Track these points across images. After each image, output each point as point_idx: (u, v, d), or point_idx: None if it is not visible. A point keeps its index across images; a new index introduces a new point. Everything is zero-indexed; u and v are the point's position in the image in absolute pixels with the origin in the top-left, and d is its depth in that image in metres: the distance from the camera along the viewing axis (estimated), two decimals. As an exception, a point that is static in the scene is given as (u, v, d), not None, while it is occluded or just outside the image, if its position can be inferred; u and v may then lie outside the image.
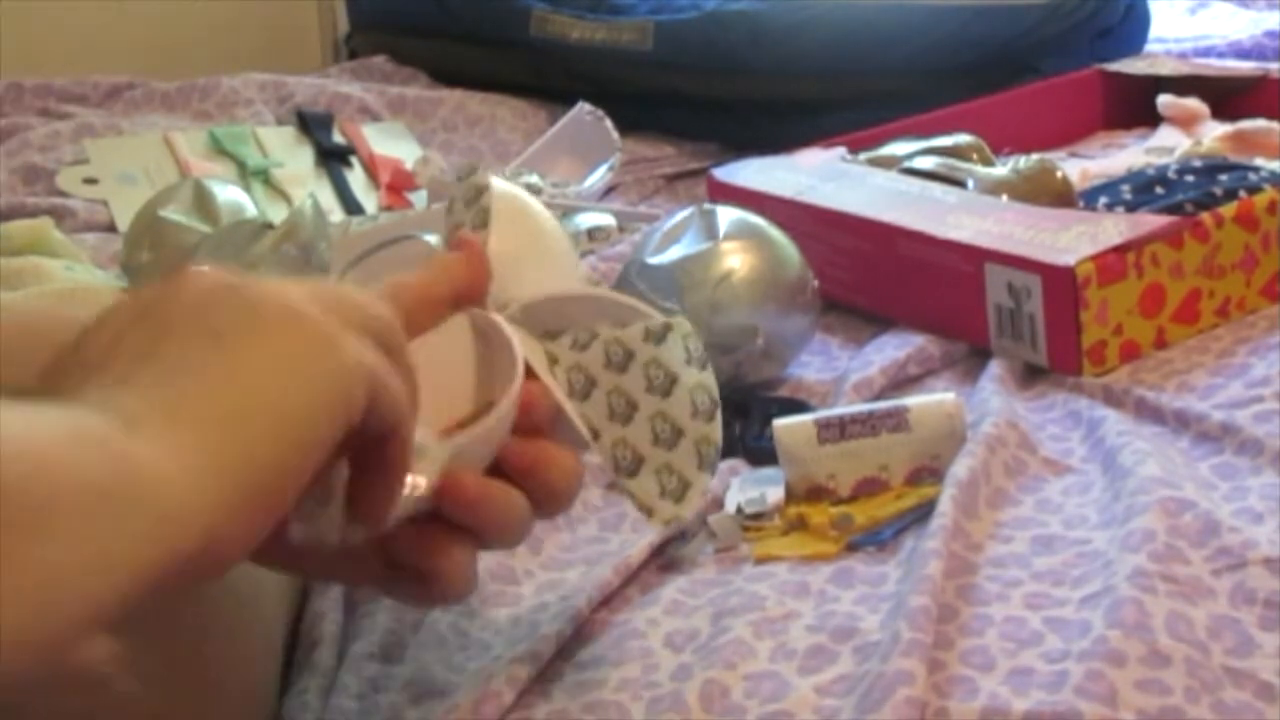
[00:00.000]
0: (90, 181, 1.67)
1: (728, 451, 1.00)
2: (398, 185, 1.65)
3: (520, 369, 0.65)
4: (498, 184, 0.75)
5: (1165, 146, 1.47)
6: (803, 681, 0.74)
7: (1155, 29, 1.79)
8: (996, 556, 0.84)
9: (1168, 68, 1.62)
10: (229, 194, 1.41)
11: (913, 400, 0.95)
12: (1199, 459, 0.93)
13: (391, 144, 1.78)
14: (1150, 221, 1.12)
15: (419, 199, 1.61)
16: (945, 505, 0.85)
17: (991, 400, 1.00)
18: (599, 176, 1.59)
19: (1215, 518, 0.82)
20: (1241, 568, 0.78)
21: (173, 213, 1.36)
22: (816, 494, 0.92)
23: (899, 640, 0.72)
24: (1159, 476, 0.86)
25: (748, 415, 1.04)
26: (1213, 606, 0.75)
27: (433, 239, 1.13)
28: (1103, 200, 1.26)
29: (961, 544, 0.83)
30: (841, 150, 1.39)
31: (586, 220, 1.45)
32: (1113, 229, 1.10)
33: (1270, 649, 0.72)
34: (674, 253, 1.10)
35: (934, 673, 0.72)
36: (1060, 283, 1.05)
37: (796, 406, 1.04)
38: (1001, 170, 1.29)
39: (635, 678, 0.76)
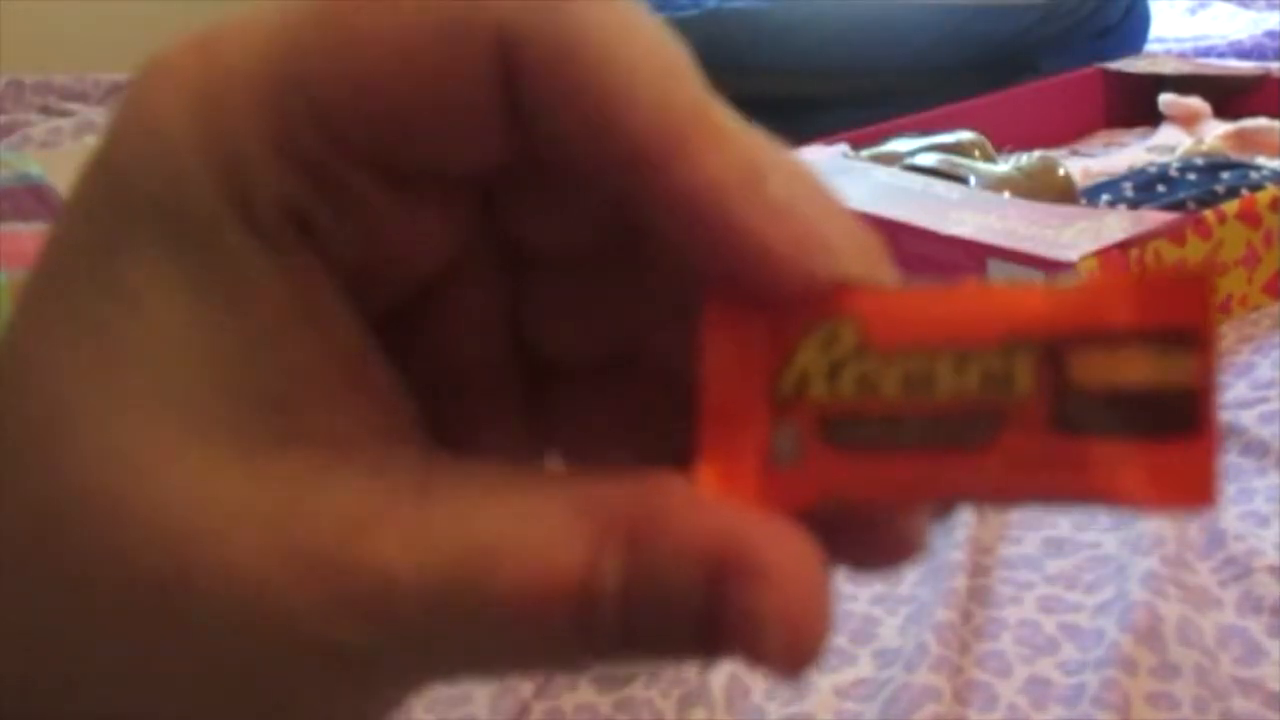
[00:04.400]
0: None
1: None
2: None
3: None
4: None
5: (1167, 145, 1.47)
6: (822, 681, 0.74)
7: (1155, 29, 1.80)
8: (1007, 558, 0.84)
9: (1169, 67, 1.63)
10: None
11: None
12: (1203, 459, 0.93)
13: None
14: (1153, 218, 1.12)
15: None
16: (967, 514, 0.85)
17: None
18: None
19: (1220, 526, 0.82)
20: (1247, 576, 0.78)
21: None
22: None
23: (927, 654, 0.72)
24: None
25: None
26: (1220, 616, 0.76)
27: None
28: (1105, 198, 1.26)
29: (971, 546, 0.83)
30: (844, 147, 1.39)
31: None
32: (1115, 225, 1.10)
33: (1278, 657, 0.72)
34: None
35: (952, 678, 0.72)
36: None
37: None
38: (1004, 167, 1.29)
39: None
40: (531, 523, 0.20)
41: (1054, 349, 0.21)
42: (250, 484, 0.21)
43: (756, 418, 0.22)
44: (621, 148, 0.21)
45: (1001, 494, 0.22)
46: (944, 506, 0.23)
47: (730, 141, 0.22)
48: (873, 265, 0.22)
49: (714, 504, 0.21)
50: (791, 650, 0.20)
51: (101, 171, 0.22)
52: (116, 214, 0.21)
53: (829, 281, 0.22)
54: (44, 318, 0.22)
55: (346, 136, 0.21)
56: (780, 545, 0.20)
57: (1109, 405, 0.21)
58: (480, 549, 0.20)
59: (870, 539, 0.22)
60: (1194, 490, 0.21)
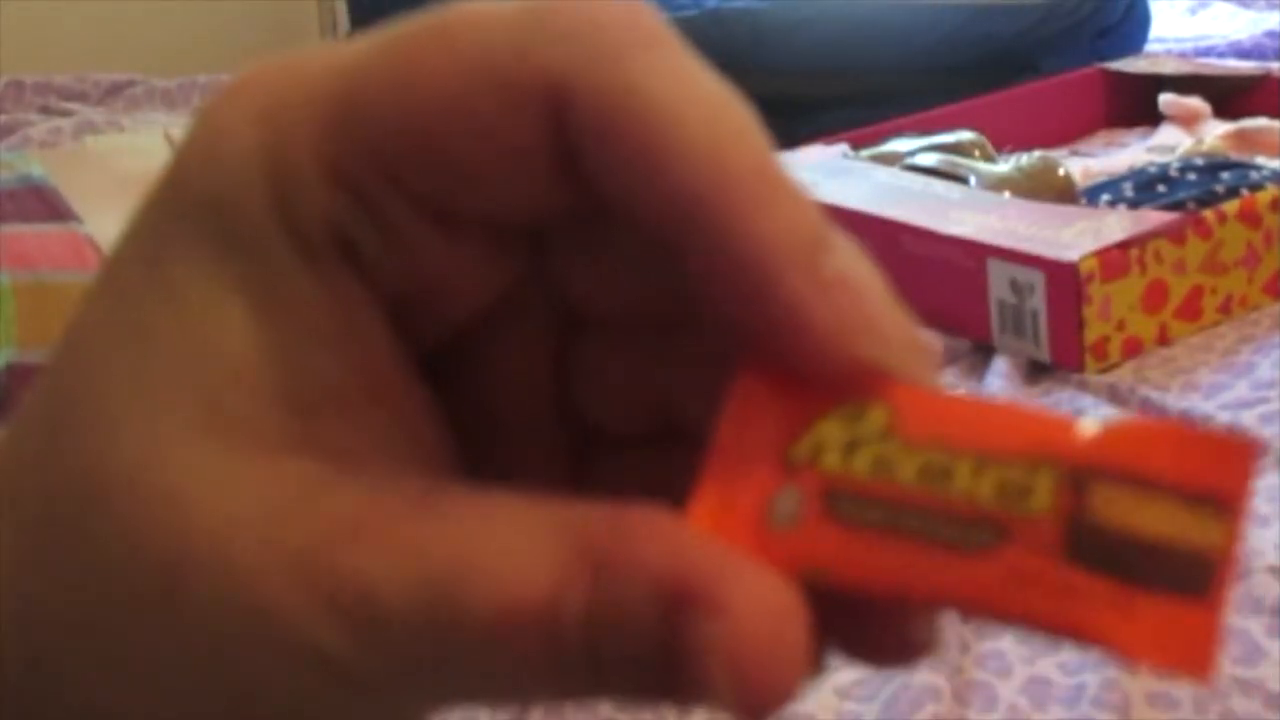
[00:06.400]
0: (91, 178, 1.66)
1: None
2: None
3: None
4: None
5: (1167, 145, 1.48)
6: (822, 681, 0.74)
7: (1155, 29, 1.80)
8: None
9: (1169, 67, 1.63)
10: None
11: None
12: (1203, 458, 0.93)
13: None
14: (1153, 218, 1.12)
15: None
16: None
17: (999, 398, 1.01)
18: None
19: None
20: (1247, 576, 0.78)
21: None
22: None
23: None
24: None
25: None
26: (1220, 615, 0.76)
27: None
28: (1105, 198, 1.26)
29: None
30: (844, 147, 1.39)
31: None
32: (1115, 225, 1.10)
33: (1278, 657, 0.72)
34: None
35: (951, 677, 0.72)
36: (1063, 278, 1.05)
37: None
38: (1004, 167, 1.29)
39: None
40: (507, 541, 0.20)
41: (1080, 476, 0.21)
42: (258, 482, 0.21)
43: (762, 474, 0.22)
44: (672, 198, 0.21)
45: (991, 607, 0.21)
46: (929, 610, 0.22)
47: (788, 205, 0.21)
48: (917, 362, 0.22)
49: (685, 538, 0.20)
50: (742, 691, 0.19)
51: (166, 176, 0.23)
52: (172, 214, 0.22)
53: (870, 369, 0.21)
54: (95, 302, 0.22)
55: (397, 172, 0.21)
56: (745, 586, 0.20)
57: (1124, 548, 0.20)
58: (457, 563, 0.20)
59: (872, 629, 0.22)
60: (1192, 657, 0.20)
